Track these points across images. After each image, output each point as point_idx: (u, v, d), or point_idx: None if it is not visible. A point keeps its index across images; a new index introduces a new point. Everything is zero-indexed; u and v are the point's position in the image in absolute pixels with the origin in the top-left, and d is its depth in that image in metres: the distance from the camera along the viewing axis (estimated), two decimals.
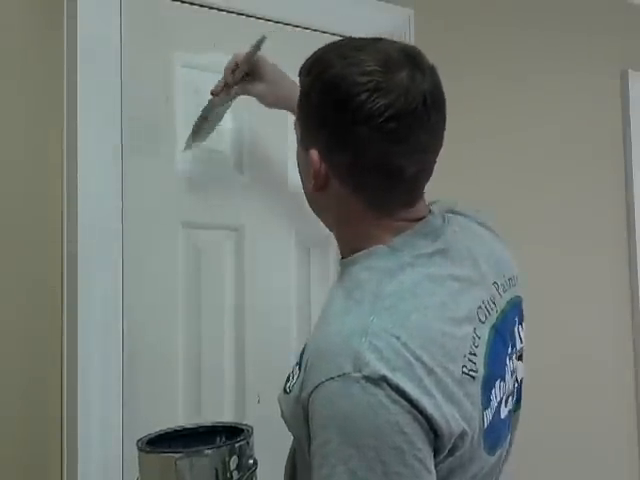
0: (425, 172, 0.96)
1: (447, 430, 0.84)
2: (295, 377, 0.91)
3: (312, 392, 0.85)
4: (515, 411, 1.07)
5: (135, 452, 1.17)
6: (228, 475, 1.11)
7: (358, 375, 0.82)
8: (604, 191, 2.37)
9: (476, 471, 0.93)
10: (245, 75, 1.39)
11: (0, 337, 1.33)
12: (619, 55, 2.42)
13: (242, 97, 1.62)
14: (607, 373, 2.32)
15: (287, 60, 1.68)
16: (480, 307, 0.95)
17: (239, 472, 1.13)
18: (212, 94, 1.42)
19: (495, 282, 1.01)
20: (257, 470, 1.16)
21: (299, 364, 0.92)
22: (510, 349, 1.02)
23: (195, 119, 1.46)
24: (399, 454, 0.82)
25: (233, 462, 1.12)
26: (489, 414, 0.93)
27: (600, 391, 2.28)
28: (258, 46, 1.37)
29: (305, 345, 0.94)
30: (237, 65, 1.38)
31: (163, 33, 1.54)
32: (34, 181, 1.38)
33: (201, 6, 1.58)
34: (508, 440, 1.04)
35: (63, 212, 1.39)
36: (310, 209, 1.05)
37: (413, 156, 0.92)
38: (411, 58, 0.92)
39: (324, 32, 1.71)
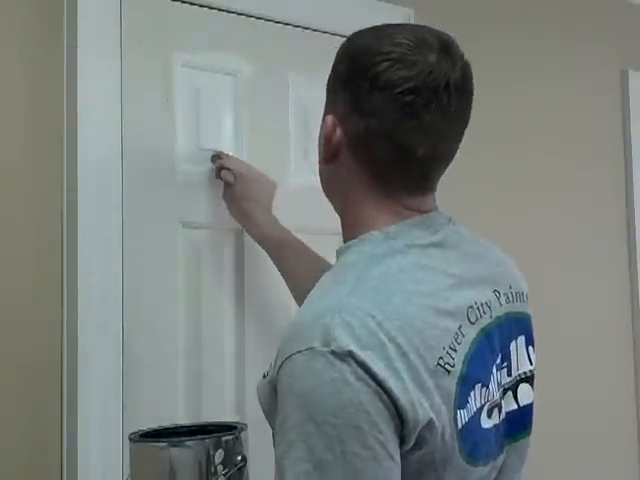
0: (438, 160, 0.95)
1: (413, 416, 0.81)
2: (274, 362, 0.89)
3: (280, 367, 0.83)
4: (522, 438, 1.02)
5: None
6: (213, 469, 1.11)
7: (325, 349, 0.80)
8: (604, 191, 2.37)
9: None
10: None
11: None
12: (619, 55, 2.42)
13: (243, 94, 1.62)
14: (607, 373, 2.32)
15: (287, 60, 1.69)
16: (472, 307, 0.92)
17: (225, 467, 1.12)
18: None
19: (496, 290, 0.98)
20: (246, 467, 1.14)
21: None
22: (500, 360, 0.97)
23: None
24: (359, 434, 0.79)
25: (218, 456, 1.11)
26: (464, 415, 0.88)
27: (600, 391, 2.28)
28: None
29: None
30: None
31: (163, 33, 1.54)
32: (34, 182, 1.38)
33: (201, 6, 1.58)
34: (501, 459, 0.96)
35: (63, 213, 1.39)
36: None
37: (425, 136, 0.91)
38: (445, 45, 0.93)
39: (324, 32, 1.71)
